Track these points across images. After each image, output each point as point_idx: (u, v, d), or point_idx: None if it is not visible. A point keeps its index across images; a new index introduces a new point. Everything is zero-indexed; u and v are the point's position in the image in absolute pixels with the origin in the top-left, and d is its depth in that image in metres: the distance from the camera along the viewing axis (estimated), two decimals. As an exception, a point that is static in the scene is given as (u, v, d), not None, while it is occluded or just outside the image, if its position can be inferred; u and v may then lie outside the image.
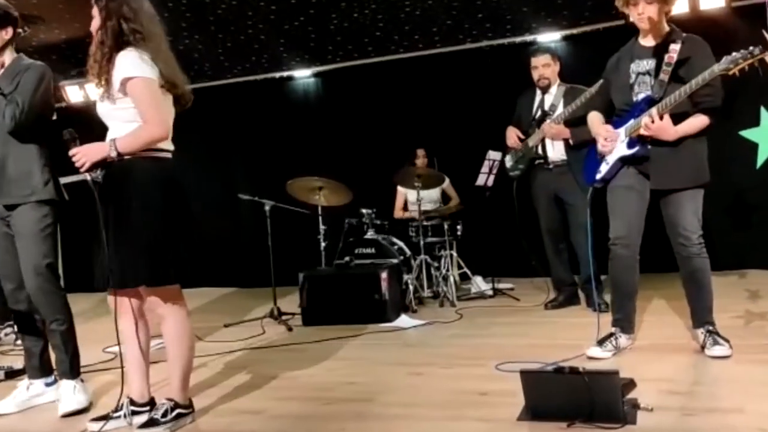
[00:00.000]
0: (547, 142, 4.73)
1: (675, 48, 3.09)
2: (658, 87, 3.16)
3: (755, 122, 3.06)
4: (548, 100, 4.80)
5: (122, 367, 2.73)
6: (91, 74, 2.68)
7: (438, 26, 6.40)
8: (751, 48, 2.76)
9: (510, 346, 3.78)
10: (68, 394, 3.06)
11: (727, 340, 3.21)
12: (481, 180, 5.62)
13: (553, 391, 2.48)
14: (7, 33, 3.13)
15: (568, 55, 6.49)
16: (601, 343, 3.37)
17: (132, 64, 2.57)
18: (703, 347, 3.25)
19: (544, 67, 4.75)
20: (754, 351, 3.26)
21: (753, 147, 3.17)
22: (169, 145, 2.72)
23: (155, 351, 3.10)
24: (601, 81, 3.63)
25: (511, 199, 5.00)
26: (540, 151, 4.77)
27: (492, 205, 5.83)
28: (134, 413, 2.72)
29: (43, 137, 3.11)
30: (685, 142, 3.16)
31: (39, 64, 3.14)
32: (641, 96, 3.23)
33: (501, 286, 5.92)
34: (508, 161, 5.04)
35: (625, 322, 3.40)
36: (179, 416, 2.69)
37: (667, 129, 3.10)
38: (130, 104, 2.60)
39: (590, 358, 3.32)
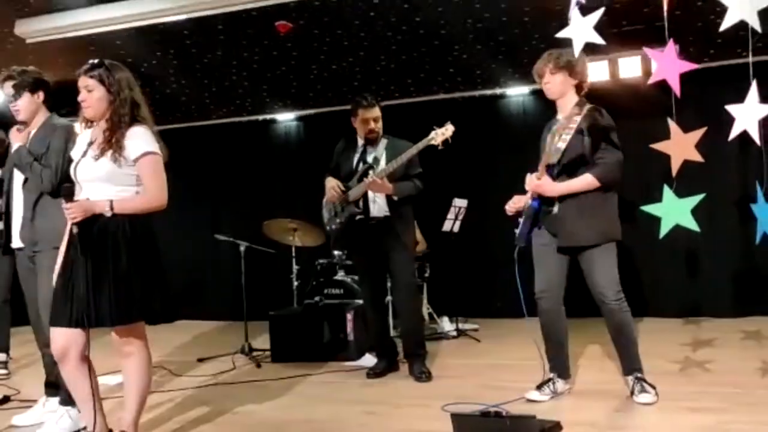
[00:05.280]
0: (370, 195, 4.42)
1: (576, 119, 3.42)
2: (554, 154, 3.47)
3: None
4: (371, 152, 4.54)
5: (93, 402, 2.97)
6: (104, 141, 2.88)
7: (412, 78, 6.76)
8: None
9: (461, 386, 4.03)
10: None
11: (653, 387, 3.48)
12: (447, 226, 5.93)
13: (480, 433, 2.76)
14: (39, 97, 3.52)
15: (536, 108, 6.85)
16: (539, 387, 3.64)
17: (149, 140, 2.90)
18: (631, 393, 3.52)
19: (375, 121, 4.49)
20: (683, 398, 3.52)
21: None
22: None
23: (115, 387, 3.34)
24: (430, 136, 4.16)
25: (479, 243, 5.19)
26: (361, 205, 4.46)
27: (459, 248, 6.14)
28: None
29: None
30: (588, 201, 3.45)
31: (66, 124, 3.53)
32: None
33: (467, 326, 6.19)
34: (325, 215, 4.65)
35: (560, 368, 3.67)
36: (134, 448, 2.93)
37: (542, 186, 3.47)
38: (134, 171, 2.89)
39: (529, 400, 3.59)
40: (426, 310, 6.39)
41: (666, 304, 6.34)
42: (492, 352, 5.19)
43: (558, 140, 3.36)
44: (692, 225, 2.74)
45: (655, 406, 3.41)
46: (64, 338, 2.82)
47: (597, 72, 5.70)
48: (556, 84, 3.58)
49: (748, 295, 6.17)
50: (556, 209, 3.51)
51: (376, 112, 4.52)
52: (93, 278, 2.79)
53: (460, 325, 6.04)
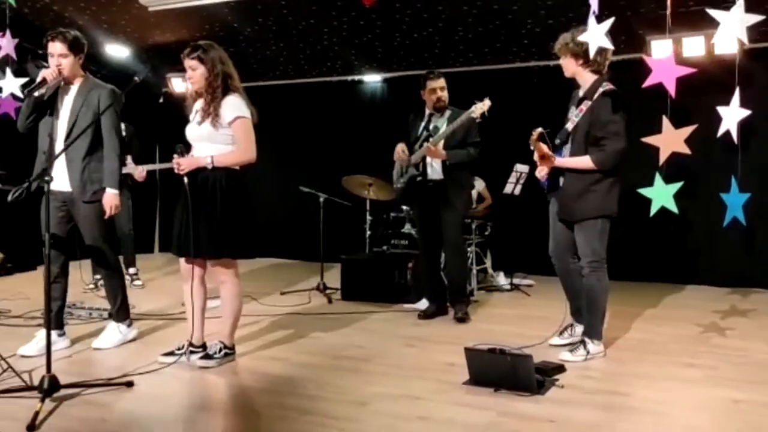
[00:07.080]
0: (428, 160, 5.01)
1: (588, 102, 3.81)
2: (564, 134, 3.94)
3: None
4: (434, 121, 5.09)
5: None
6: (204, 108, 3.62)
7: (489, 47, 7.19)
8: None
9: (494, 332, 4.61)
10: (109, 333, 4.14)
11: (588, 353, 3.85)
12: (508, 189, 6.43)
13: (487, 365, 3.38)
14: (81, 58, 3.89)
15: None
16: (561, 333, 4.21)
17: (242, 106, 3.63)
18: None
19: (441, 90, 5.03)
20: (685, 355, 4.02)
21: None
22: None
23: (214, 310, 4.17)
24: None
25: (538, 205, 5.61)
26: (420, 168, 5.06)
27: (518, 209, 6.65)
28: (192, 352, 3.79)
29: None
30: (588, 181, 3.81)
31: (110, 88, 3.90)
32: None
33: (523, 282, 6.73)
34: (394, 174, 5.34)
35: (577, 315, 4.17)
36: (226, 355, 3.78)
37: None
38: (229, 132, 3.63)
39: (552, 345, 4.15)
40: (488, 264, 6.96)
41: (718, 274, 6.63)
42: (537, 305, 5.74)
43: (567, 122, 3.83)
44: (673, 208, 3.19)
45: (655, 359, 3.93)
46: (184, 265, 3.75)
47: (661, 50, 5.98)
48: (565, 65, 3.99)
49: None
50: (561, 183, 3.97)
51: (442, 82, 5.09)
52: (196, 219, 3.60)
53: (515, 281, 6.60)
